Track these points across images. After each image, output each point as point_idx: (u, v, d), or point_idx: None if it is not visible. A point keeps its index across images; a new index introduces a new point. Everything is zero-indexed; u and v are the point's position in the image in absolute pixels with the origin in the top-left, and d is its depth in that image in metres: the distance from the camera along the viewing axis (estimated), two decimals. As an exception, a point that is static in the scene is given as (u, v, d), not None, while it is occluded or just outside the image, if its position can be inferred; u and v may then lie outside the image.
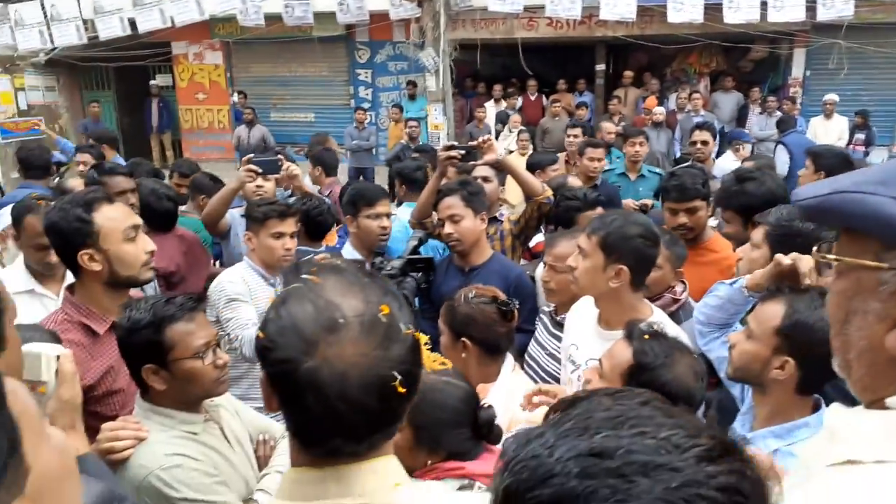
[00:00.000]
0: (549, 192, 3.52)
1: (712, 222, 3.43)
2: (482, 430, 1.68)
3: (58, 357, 1.46)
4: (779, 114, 10.56)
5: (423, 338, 1.02)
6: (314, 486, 0.96)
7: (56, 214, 2.15)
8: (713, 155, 6.24)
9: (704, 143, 5.45)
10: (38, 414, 0.63)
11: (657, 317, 2.28)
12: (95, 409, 1.99)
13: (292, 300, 0.95)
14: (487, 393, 2.14)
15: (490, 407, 1.74)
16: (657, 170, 5.91)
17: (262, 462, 2.13)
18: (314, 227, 3.83)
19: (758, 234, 2.45)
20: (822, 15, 9.28)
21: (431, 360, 1.72)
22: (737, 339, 1.85)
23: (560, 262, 2.68)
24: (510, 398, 2.15)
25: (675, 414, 0.70)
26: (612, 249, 2.19)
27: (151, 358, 1.76)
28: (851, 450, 0.77)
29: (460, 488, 1.58)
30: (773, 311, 1.75)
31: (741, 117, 11.36)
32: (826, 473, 0.78)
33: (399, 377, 0.91)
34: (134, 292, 2.31)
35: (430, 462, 1.62)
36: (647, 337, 1.79)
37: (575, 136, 6.18)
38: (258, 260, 3.09)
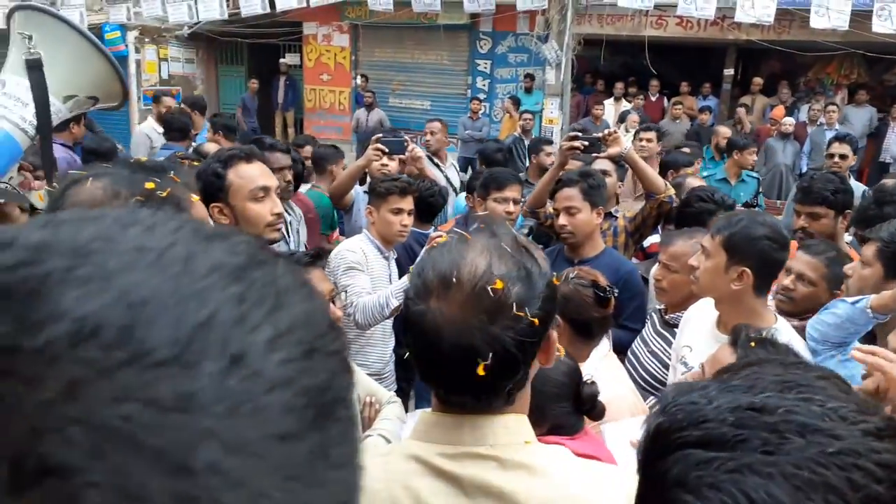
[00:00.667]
0: (672, 191, 3.45)
1: (847, 238, 3.27)
2: (585, 404, 1.71)
3: None
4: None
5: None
6: (450, 430, 1.01)
7: (201, 167, 2.34)
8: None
9: (843, 156, 5.15)
10: None
11: (780, 326, 2.20)
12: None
13: (442, 248, 1.03)
14: None
15: (594, 383, 1.76)
16: (755, 174, 5.95)
17: (367, 424, 2.22)
18: (426, 208, 3.95)
19: (869, 250, 2.34)
20: None
21: None
22: (853, 268, 1.72)
23: (674, 262, 2.65)
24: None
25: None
26: (736, 250, 2.13)
27: None
28: None
29: None
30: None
31: (879, 135, 10.58)
32: None
33: (489, 355, 0.94)
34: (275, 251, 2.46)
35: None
36: (753, 344, 1.71)
37: (648, 141, 5.69)
38: (376, 233, 3.23)
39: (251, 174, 2.26)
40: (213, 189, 2.23)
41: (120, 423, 0.27)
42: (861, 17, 8.74)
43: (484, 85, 13.73)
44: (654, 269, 2.83)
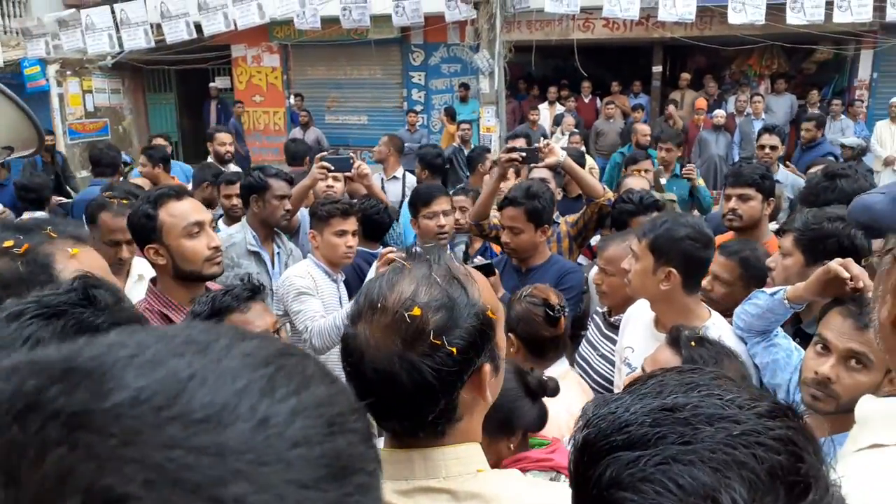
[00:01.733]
0: (611, 195, 3.50)
1: (773, 227, 3.38)
2: (537, 392, 1.74)
3: None
4: (843, 118, 10.23)
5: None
6: (403, 465, 1.01)
7: (132, 210, 2.28)
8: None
9: (773, 147, 5.32)
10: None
11: (715, 320, 2.26)
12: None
13: (383, 275, 1.06)
14: None
15: (533, 369, 1.82)
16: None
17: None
18: (372, 227, 3.91)
19: (787, 241, 2.43)
20: (893, 15, 8.95)
21: None
22: (837, 373, 1.69)
23: (610, 265, 2.72)
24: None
25: (742, 386, 0.78)
26: (661, 251, 2.19)
27: None
28: (877, 435, 0.83)
29: (552, 479, 1.62)
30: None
31: (799, 120, 10.98)
32: (853, 457, 0.84)
33: (408, 382, 0.95)
34: (215, 285, 2.39)
35: (511, 447, 1.68)
36: (693, 344, 1.77)
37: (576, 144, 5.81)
38: (322, 257, 3.18)
39: (183, 211, 2.22)
40: (146, 231, 2.20)
41: (166, 462, 0.36)
42: (776, 10, 9.07)
43: (420, 97, 13.76)
44: (593, 272, 2.87)
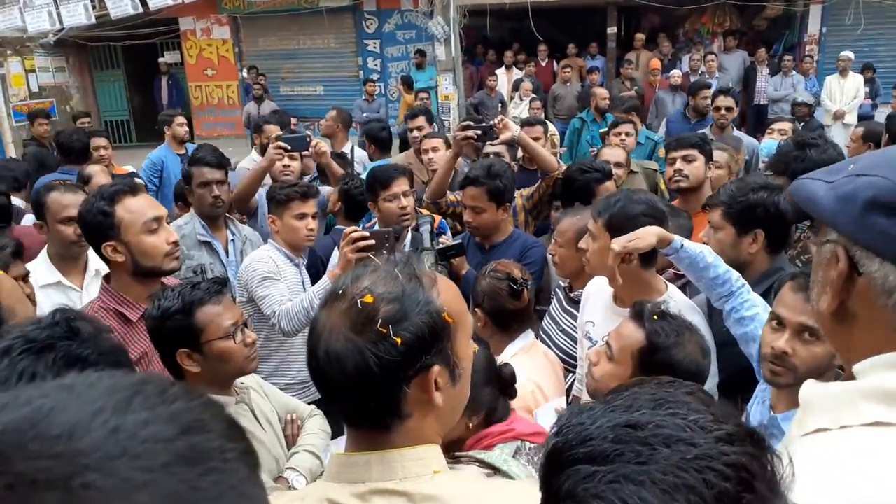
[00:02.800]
0: (564, 167, 3.53)
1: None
2: (507, 386, 1.78)
3: None
4: (794, 73, 10.39)
5: None
6: (360, 468, 1.03)
7: (83, 207, 2.22)
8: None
9: (728, 108, 5.37)
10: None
11: (672, 293, 2.31)
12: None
13: (357, 267, 1.12)
14: None
15: (508, 364, 1.84)
16: (655, 136, 5.94)
17: (291, 441, 2.23)
18: (354, 206, 3.85)
19: (716, 215, 2.48)
20: (839, -30, 9.07)
21: None
22: (793, 346, 1.73)
23: (560, 237, 2.79)
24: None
25: (712, 404, 0.78)
26: (617, 230, 2.21)
27: (184, 342, 1.87)
28: (819, 419, 0.85)
29: (516, 451, 1.67)
30: None
31: (748, 79, 11.14)
32: (799, 442, 0.86)
33: (351, 365, 0.99)
34: (171, 280, 2.36)
35: (471, 425, 1.69)
36: (656, 317, 1.82)
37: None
38: (282, 241, 3.13)
39: (141, 207, 2.18)
40: (103, 228, 2.14)
41: (26, 469, 0.44)
42: (727, -33, 9.14)
43: (376, 65, 13.58)
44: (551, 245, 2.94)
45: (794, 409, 1.66)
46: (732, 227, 2.42)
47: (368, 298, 1.01)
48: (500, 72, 11.67)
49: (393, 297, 1.02)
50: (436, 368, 1.03)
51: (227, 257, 3.44)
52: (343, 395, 1.03)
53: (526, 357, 2.27)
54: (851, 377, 0.87)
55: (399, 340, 0.99)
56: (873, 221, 0.82)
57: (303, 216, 3.10)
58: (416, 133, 5.24)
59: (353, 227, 2.79)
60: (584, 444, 0.73)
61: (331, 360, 1.01)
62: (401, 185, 3.24)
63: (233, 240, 3.50)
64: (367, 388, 1.00)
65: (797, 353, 1.72)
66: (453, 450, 1.62)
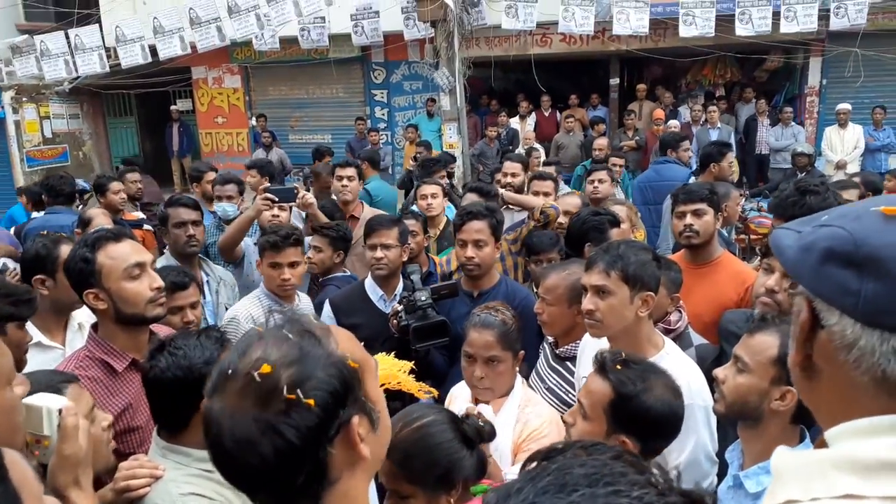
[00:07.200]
0: (544, 204, 3.63)
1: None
2: (474, 439, 1.70)
3: (60, 410, 1.45)
4: (794, 124, 10.49)
5: (390, 364, 1.03)
6: None
7: (68, 256, 2.24)
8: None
9: (601, 181, 5.12)
10: (37, 482, 0.68)
11: (669, 349, 2.27)
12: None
13: (234, 346, 1.02)
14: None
15: (468, 416, 1.76)
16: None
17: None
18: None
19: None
20: (835, 24, 9.23)
21: (416, 388, 1.76)
22: (726, 374, 1.83)
23: (549, 294, 2.69)
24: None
25: (646, 469, 0.72)
26: (636, 279, 2.17)
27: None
28: (790, 490, 0.80)
29: None
30: (768, 342, 1.76)
31: (749, 129, 11.27)
32: None
33: (268, 446, 0.91)
34: (161, 328, 2.37)
35: (452, 501, 1.62)
36: (619, 367, 1.79)
37: (513, 175, 5.16)
38: (267, 288, 3.21)
39: (122, 253, 2.17)
40: (84, 275, 2.15)
41: None
42: (726, 22, 9.30)
43: (383, 114, 13.80)
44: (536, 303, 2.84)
45: (758, 463, 1.69)
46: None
47: (266, 368, 0.93)
48: (515, 121, 11.84)
49: (291, 360, 0.95)
50: (355, 420, 0.98)
51: (204, 298, 3.47)
52: (265, 480, 0.94)
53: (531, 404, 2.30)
54: (824, 444, 0.84)
55: (311, 402, 0.92)
56: (830, 273, 0.80)
57: (276, 265, 3.14)
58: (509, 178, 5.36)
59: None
60: None
61: (242, 448, 0.92)
62: (381, 237, 3.25)
63: (207, 280, 3.56)
64: (291, 465, 0.93)
65: (727, 380, 1.83)
66: None
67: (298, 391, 0.92)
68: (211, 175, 5.74)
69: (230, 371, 0.96)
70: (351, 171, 4.77)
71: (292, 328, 1.00)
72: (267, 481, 0.94)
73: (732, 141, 9.94)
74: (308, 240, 3.91)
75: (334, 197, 4.94)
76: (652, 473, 0.72)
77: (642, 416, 1.71)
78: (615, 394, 1.75)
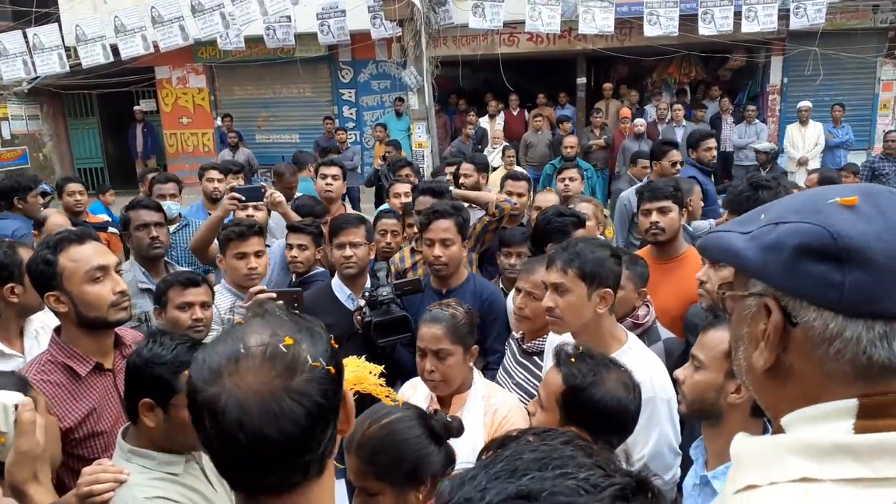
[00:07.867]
0: (500, 200, 3.69)
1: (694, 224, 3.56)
2: (441, 435, 1.70)
3: (16, 406, 1.43)
4: (757, 122, 10.70)
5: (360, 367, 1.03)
6: None
7: (31, 257, 2.19)
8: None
9: (572, 179, 5.18)
10: None
11: (632, 343, 2.30)
12: (77, 451, 2.01)
13: (215, 341, 1.02)
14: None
15: (437, 411, 1.80)
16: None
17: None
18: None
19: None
20: (795, 23, 9.45)
21: (384, 395, 1.75)
22: (685, 374, 1.87)
23: (537, 289, 2.63)
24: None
25: (595, 453, 0.75)
26: (594, 276, 2.19)
27: (153, 394, 1.72)
28: (749, 475, 0.81)
29: None
30: (720, 337, 1.79)
31: (714, 127, 11.43)
32: (731, 500, 0.83)
33: (301, 413, 0.93)
34: (126, 331, 2.32)
35: (421, 497, 1.62)
36: (573, 360, 1.83)
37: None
38: (231, 282, 3.16)
39: (85, 255, 2.12)
40: (45, 277, 2.10)
41: None
42: (689, 21, 9.46)
43: (351, 113, 13.74)
44: (516, 298, 2.81)
45: (722, 464, 1.72)
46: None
47: (289, 340, 0.96)
48: (484, 120, 11.84)
49: (303, 333, 0.99)
50: (350, 392, 1.06)
51: None
52: (286, 456, 0.94)
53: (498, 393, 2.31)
54: (780, 430, 0.84)
55: (332, 370, 0.97)
56: (805, 269, 0.79)
57: (242, 255, 3.12)
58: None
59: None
60: None
61: (266, 422, 0.91)
62: (349, 236, 3.24)
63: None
64: (321, 428, 0.96)
65: (686, 380, 1.87)
66: None
67: (321, 359, 0.97)
68: (212, 173, 5.37)
69: (241, 351, 0.95)
70: (335, 171, 4.76)
71: (271, 313, 1.03)
72: (287, 456, 0.94)
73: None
74: (280, 241, 3.90)
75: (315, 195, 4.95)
76: (600, 456, 0.74)
77: (590, 408, 1.75)
78: (566, 385, 1.79)
